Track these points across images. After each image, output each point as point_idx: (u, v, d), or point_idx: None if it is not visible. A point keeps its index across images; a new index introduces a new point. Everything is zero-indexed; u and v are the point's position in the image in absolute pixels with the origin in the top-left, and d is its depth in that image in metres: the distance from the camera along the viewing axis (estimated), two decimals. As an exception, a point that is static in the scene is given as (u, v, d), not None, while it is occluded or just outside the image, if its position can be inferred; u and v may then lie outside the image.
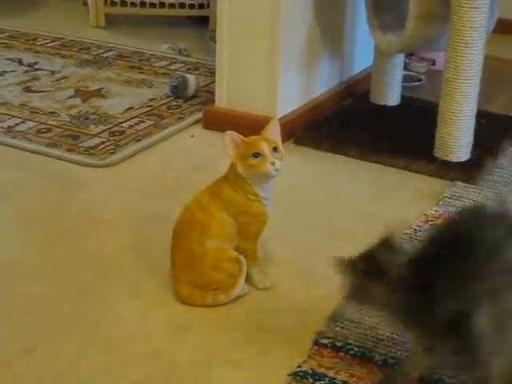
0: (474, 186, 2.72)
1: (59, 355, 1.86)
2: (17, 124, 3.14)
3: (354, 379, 1.77)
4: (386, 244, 1.62)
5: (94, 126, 3.13)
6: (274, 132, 2.04)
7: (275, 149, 2.00)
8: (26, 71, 3.76)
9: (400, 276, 1.58)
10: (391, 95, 3.32)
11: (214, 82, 3.23)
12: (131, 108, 3.33)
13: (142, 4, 4.50)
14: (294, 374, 1.78)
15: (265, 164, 1.97)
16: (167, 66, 3.91)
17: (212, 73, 3.40)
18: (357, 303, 1.67)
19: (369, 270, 1.61)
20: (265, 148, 1.98)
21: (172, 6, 4.53)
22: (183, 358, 1.85)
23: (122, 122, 3.18)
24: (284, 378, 1.78)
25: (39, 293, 2.10)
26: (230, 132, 2.00)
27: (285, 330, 1.95)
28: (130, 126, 3.15)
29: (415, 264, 1.58)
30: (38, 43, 4.19)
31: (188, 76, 3.48)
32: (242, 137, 2.00)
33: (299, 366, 1.81)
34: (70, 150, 2.92)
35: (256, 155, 1.97)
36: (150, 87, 3.59)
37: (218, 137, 2.75)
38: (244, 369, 1.81)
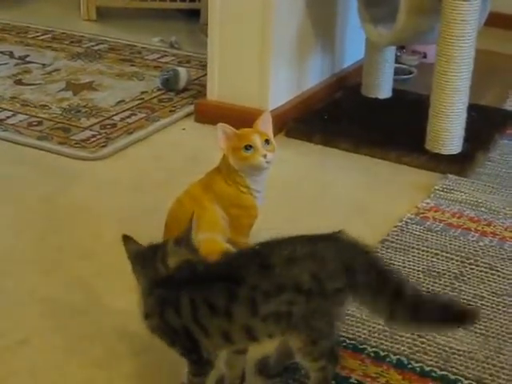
0: (465, 179, 2.72)
1: (52, 348, 1.87)
2: (8, 117, 3.13)
3: (346, 371, 1.78)
4: (175, 243, 1.64)
5: (85, 119, 3.13)
6: (265, 124, 2.04)
7: (267, 141, 1.99)
8: (17, 64, 3.75)
9: (163, 276, 1.62)
10: (383, 88, 3.32)
11: (205, 74, 3.23)
12: (122, 101, 3.33)
13: (134, -3, 4.50)
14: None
15: (256, 156, 1.97)
16: (158, 58, 3.90)
17: (203, 66, 3.40)
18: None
19: (144, 262, 1.65)
20: (257, 140, 1.98)
21: (163, -2, 4.52)
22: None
23: (113, 115, 3.18)
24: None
25: (32, 285, 2.10)
26: (221, 124, 2.00)
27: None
28: (122, 119, 3.14)
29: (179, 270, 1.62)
30: (29, 36, 4.18)
31: (179, 69, 3.47)
32: (233, 129, 2.00)
33: (291, 358, 1.82)
34: (61, 143, 2.91)
35: (248, 147, 1.97)
36: (141, 80, 3.59)
37: (209, 129, 2.76)
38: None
